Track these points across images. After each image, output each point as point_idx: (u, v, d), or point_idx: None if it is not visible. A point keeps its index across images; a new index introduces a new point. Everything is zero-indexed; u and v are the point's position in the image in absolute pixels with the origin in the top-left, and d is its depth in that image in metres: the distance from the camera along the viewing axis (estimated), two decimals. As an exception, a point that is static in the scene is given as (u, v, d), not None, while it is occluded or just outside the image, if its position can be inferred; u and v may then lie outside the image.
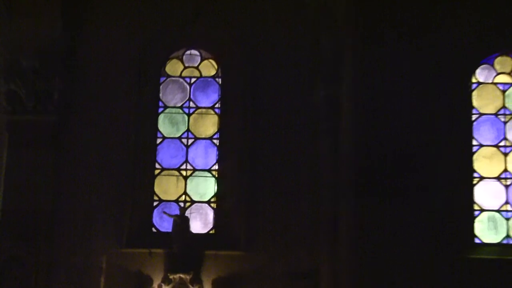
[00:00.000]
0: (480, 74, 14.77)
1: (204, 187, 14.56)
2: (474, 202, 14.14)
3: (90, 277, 13.60)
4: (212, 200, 14.46)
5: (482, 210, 14.15)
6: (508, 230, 14.07)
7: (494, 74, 14.78)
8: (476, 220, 14.09)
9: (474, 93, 14.67)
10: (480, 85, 14.78)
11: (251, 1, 14.80)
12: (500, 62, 14.80)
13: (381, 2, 13.35)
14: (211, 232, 14.33)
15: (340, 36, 13.94)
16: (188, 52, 15.05)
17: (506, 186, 14.20)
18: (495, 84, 14.77)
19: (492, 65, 14.80)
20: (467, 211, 14.09)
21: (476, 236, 13.97)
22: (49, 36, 14.16)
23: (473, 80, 14.73)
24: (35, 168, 13.95)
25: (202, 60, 15.02)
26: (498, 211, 14.17)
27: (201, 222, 14.36)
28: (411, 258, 12.85)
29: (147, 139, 14.59)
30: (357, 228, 13.02)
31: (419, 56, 13.73)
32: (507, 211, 14.15)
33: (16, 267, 13.58)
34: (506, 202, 14.15)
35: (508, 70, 14.73)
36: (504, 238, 14.02)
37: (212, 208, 14.42)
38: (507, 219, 14.08)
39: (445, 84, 14.22)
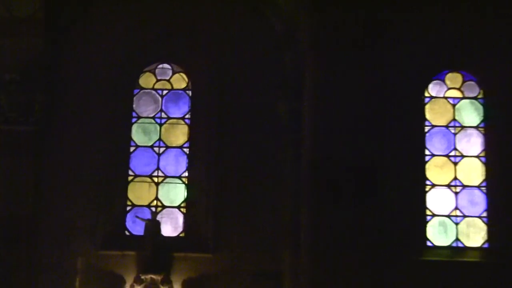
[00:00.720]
0: (432, 89, 15.23)
1: (175, 193, 14.86)
2: (427, 208, 14.59)
3: (67, 278, 13.70)
4: (182, 205, 14.76)
5: (433, 215, 14.61)
6: (457, 234, 14.53)
7: (445, 89, 15.26)
8: (428, 224, 14.55)
9: (427, 107, 15.12)
10: (432, 99, 15.21)
11: (220, 20, 15.15)
12: (451, 78, 15.27)
13: (340, 24, 13.53)
14: (181, 235, 14.62)
15: (302, 54, 14.15)
16: (160, 66, 15.34)
17: (456, 193, 14.69)
18: (446, 98, 15.21)
19: (443, 80, 15.30)
20: (420, 216, 14.53)
21: (428, 240, 14.45)
22: (31, 52, 14.29)
23: (426, 95, 15.19)
24: (17, 175, 14.11)
25: (173, 74, 15.30)
26: (448, 216, 14.63)
27: (171, 226, 14.66)
28: (368, 260, 12.92)
29: (121, 148, 14.86)
30: (317, 232, 13.13)
31: (376, 72, 13.74)
32: (456, 216, 14.60)
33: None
34: (456, 208, 14.61)
35: (458, 86, 15.22)
36: (453, 242, 14.52)
37: (182, 212, 14.72)
38: (456, 223, 14.55)
39: (400, 98, 14.56)
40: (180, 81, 15.33)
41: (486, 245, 14.54)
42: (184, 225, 14.70)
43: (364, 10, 13.73)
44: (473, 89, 15.28)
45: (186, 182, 14.83)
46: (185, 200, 14.77)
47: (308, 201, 13.40)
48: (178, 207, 14.76)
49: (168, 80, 15.30)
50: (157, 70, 15.33)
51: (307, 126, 13.69)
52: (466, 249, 14.54)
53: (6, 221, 13.88)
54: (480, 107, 15.21)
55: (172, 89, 15.30)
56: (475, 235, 14.66)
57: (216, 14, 15.17)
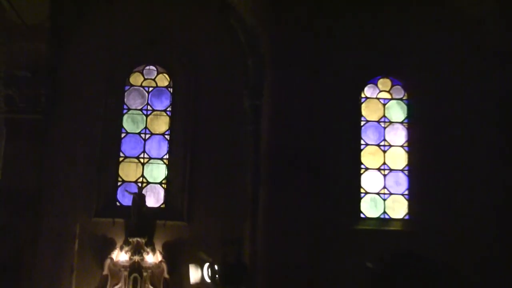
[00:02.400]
0: (367, 91, 16.54)
1: (157, 172, 15.91)
2: (361, 187, 15.94)
3: (67, 241, 14.64)
4: (163, 182, 15.84)
5: (366, 193, 16.02)
6: (385, 208, 16.00)
7: (377, 91, 16.59)
8: (362, 200, 15.94)
9: (363, 105, 16.42)
10: (367, 99, 16.50)
11: (197, 31, 16.04)
12: (382, 82, 16.62)
13: (294, 37, 14.31)
14: (161, 206, 15.74)
15: (263, 59, 15.18)
16: (147, 67, 16.35)
17: (384, 175, 16.14)
18: (378, 98, 16.56)
19: (376, 84, 16.61)
20: (355, 193, 15.87)
21: (361, 212, 15.88)
22: (39, 54, 15.20)
23: (362, 95, 16.46)
24: (26, 155, 15.06)
25: (158, 74, 16.35)
26: (378, 193, 16.06)
27: (154, 199, 15.75)
28: (313, 229, 14.03)
29: (114, 134, 15.81)
30: (273, 206, 14.14)
31: (322, 76, 14.90)
32: (384, 193, 16.05)
33: (8, 233, 14.55)
34: (384, 187, 16.05)
35: (387, 89, 16.61)
36: (381, 214, 15.99)
37: (163, 188, 15.82)
38: (384, 199, 16.02)
39: (341, 98, 15.78)
40: (163, 80, 16.36)
41: (407, 217, 15.95)
42: (164, 198, 15.77)
43: (314, 25, 14.55)
44: (400, 92, 16.63)
45: (167, 163, 15.89)
46: (166, 178, 15.85)
47: (265, 180, 14.49)
48: (160, 183, 15.84)
49: (153, 79, 16.33)
50: (144, 71, 16.36)
51: (265, 119, 14.67)
52: (391, 220, 15.94)
53: (16, 193, 14.78)
54: (405, 107, 16.54)
55: (157, 86, 16.30)
56: (399, 208, 16.05)
57: (193, 26, 16.07)
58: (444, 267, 14.23)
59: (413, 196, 16.05)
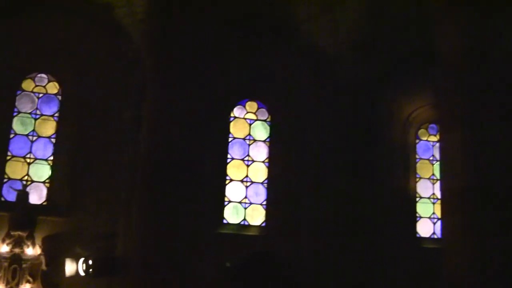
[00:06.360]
0: (236, 111, 17.22)
1: (42, 171, 15.91)
2: (225, 196, 16.53)
3: None
4: (47, 181, 15.84)
5: (230, 201, 16.60)
6: (245, 215, 16.62)
7: (245, 112, 17.32)
8: (226, 207, 16.48)
9: (231, 124, 17.07)
10: (235, 119, 17.18)
11: (88, 45, 16.13)
12: (249, 105, 17.41)
13: (174, 60, 14.52)
14: (44, 203, 15.69)
15: (145, 76, 15.33)
16: (39, 75, 16.40)
17: (246, 187, 16.82)
18: (245, 119, 17.29)
19: (244, 106, 17.35)
20: (220, 201, 16.44)
21: (224, 218, 16.42)
22: None
23: (231, 115, 17.10)
24: None
25: (48, 82, 16.37)
26: (240, 202, 16.69)
27: (37, 196, 15.71)
28: (181, 231, 14.18)
29: (3, 134, 15.77)
30: (146, 208, 14.17)
31: (196, 96, 15.10)
32: (245, 202, 16.73)
33: None
34: (245, 197, 16.75)
35: (253, 110, 17.38)
36: (242, 220, 16.60)
37: (46, 186, 15.82)
38: (245, 208, 16.69)
39: (213, 116, 16.37)
40: (53, 88, 16.39)
41: (263, 224, 16.62)
42: (47, 196, 15.74)
43: (193, 51, 14.83)
44: (264, 114, 17.41)
45: (51, 164, 15.90)
46: (49, 177, 15.83)
47: (141, 185, 14.41)
48: (43, 182, 15.83)
49: (44, 86, 16.37)
50: (36, 78, 16.38)
51: (144, 130, 14.83)
52: (250, 226, 16.56)
53: None
54: (268, 127, 17.31)
55: (46, 93, 16.33)
56: (257, 216, 16.69)
57: (85, 41, 16.17)
58: (293, 265, 15.37)
59: (270, 205, 16.78)
